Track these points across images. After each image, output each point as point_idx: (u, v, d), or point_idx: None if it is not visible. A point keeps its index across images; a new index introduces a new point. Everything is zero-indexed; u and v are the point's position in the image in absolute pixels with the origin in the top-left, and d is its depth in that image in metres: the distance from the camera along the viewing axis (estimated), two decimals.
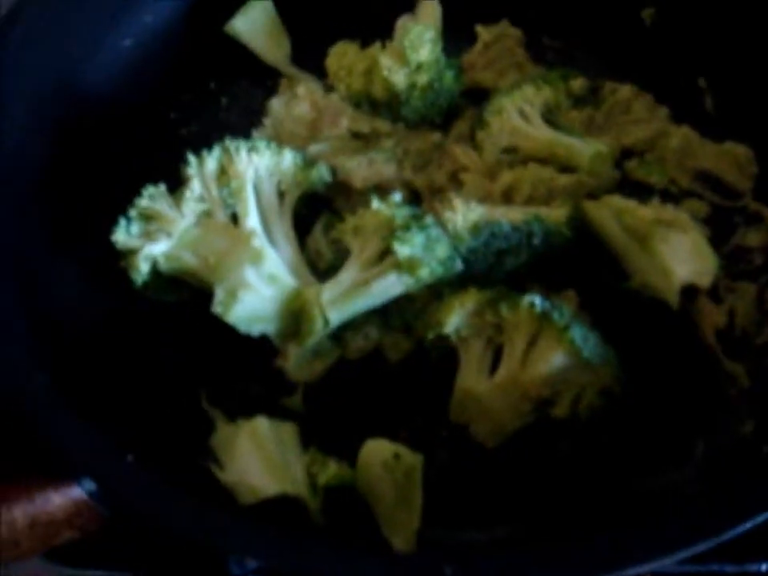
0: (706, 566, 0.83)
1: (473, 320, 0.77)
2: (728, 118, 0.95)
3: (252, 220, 0.80)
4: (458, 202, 0.80)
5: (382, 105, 0.92)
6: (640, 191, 0.90)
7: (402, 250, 0.75)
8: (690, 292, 0.83)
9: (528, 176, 0.87)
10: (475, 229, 0.79)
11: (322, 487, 0.73)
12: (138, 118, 0.94)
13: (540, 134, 0.89)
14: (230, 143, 0.82)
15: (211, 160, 0.82)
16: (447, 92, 0.92)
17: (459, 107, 0.94)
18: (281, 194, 0.84)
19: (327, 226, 0.85)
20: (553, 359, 0.74)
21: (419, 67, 0.90)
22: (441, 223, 0.79)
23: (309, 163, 0.85)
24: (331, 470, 0.74)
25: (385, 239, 0.77)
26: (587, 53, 1.00)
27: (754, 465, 0.74)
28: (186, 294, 0.83)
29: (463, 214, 0.79)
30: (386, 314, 0.81)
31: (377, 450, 0.74)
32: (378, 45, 0.93)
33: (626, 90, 0.95)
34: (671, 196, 0.91)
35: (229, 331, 0.78)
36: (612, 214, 0.83)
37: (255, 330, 0.78)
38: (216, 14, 0.98)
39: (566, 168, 0.89)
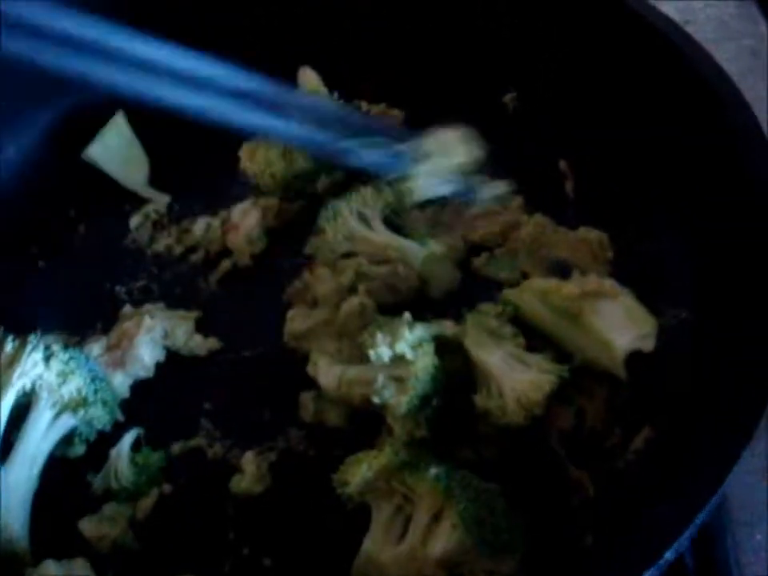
0: None
1: (379, 484, 0.71)
2: (585, 203, 0.91)
3: None
4: None
5: (312, 173, 0.91)
6: (490, 288, 0.87)
7: None
8: None
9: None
10: None
11: None
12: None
13: (376, 237, 0.87)
14: (33, 338, 0.78)
15: (9, 346, 0.78)
16: None
17: None
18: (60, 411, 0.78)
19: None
20: (451, 541, 0.68)
21: None
22: None
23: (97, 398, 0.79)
24: None
25: None
26: None
27: None
28: None
29: None
30: None
31: None
32: None
33: None
34: None
35: None
36: (536, 297, 0.79)
37: None
38: (74, 142, 1.00)
39: None
